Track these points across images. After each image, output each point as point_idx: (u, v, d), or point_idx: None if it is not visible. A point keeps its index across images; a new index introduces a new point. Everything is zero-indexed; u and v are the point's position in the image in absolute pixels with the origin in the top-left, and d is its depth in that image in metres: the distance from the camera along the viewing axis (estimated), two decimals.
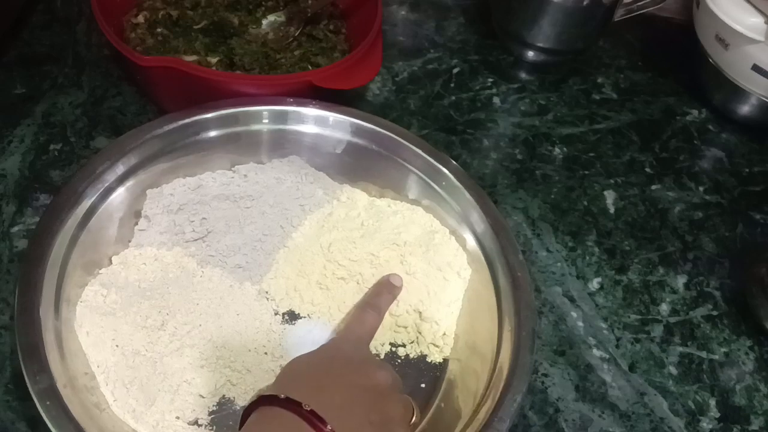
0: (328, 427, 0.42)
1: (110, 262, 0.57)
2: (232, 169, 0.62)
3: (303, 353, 0.50)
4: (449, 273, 0.59)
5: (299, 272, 0.59)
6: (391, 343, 0.58)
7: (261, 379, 0.54)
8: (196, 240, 0.59)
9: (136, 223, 0.58)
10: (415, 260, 0.59)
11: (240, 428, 0.44)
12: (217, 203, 0.60)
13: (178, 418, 0.51)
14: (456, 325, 0.58)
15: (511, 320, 0.53)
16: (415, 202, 0.63)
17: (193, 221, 0.59)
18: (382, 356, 0.57)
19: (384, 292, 0.57)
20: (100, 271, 0.56)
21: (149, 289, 0.56)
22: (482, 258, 0.59)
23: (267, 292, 0.58)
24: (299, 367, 0.48)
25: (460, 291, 0.59)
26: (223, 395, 0.53)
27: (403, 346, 0.58)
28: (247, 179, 0.62)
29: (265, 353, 0.55)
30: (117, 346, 0.53)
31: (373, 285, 0.58)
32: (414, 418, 0.50)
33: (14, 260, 0.58)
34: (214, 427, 0.52)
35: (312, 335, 0.57)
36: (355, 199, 0.63)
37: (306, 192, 0.62)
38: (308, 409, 0.42)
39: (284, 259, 0.60)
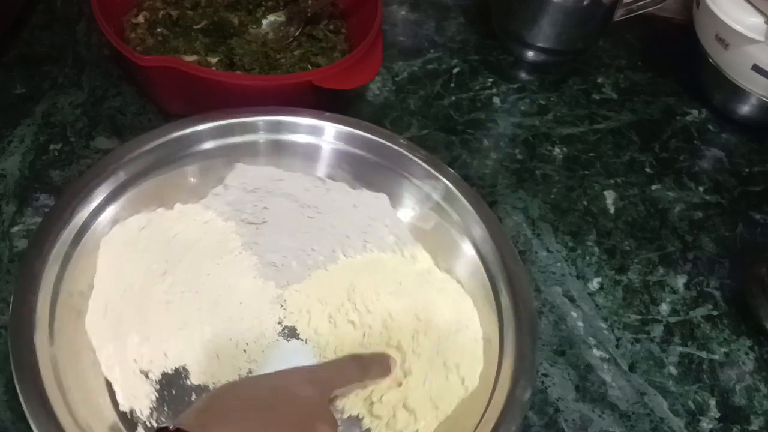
0: None
1: (172, 208, 0.59)
2: (321, 178, 0.62)
3: (258, 377, 0.48)
4: (453, 375, 0.54)
5: (320, 298, 0.58)
6: (359, 412, 0.53)
7: (225, 371, 0.54)
8: (250, 223, 0.60)
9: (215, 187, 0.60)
10: (426, 343, 0.55)
11: None
12: (285, 200, 0.61)
13: (135, 361, 0.52)
14: (433, 430, 0.52)
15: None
16: (414, 209, 0.62)
17: (256, 206, 0.60)
18: (344, 416, 0.53)
19: (377, 365, 0.54)
20: (157, 210, 0.58)
21: (179, 242, 0.57)
22: (480, 265, 0.58)
23: (285, 301, 0.58)
24: (243, 394, 0.43)
25: (455, 400, 0.53)
26: (184, 365, 0.54)
27: (371, 419, 0.53)
28: (328, 192, 0.62)
29: (244, 351, 0.55)
30: (122, 273, 0.55)
31: (374, 353, 0.55)
32: None
33: (14, 260, 0.58)
34: (158, 387, 0.52)
35: (296, 359, 0.55)
36: (418, 259, 0.60)
37: (376, 232, 0.61)
38: None
39: (317, 280, 0.59)
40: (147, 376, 0.52)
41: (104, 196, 0.55)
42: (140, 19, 0.71)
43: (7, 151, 0.65)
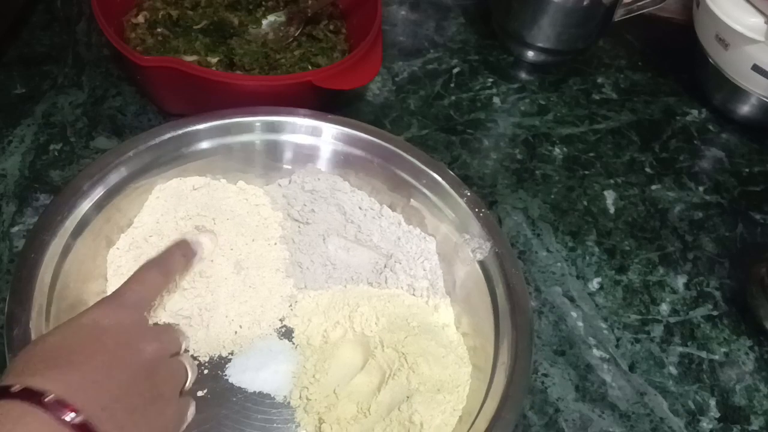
0: (80, 416, 0.37)
1: (235, 183, 0.62)
2: (380, 204, 0.62)
3: (70, 320, 0.44)
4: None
5: (325, 310, 0.57)
6: None
7: (206, 341, 0.54)
8: (295, 220, 0.61)
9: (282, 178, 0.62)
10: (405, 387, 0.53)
11: None
12: (335, 210, 0.61)
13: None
14: None
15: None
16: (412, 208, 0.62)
17: (305, 205, 0.61)
18: None
19: (177, 253, 0.52)
20: (220, 179, 0.61)
21: (223, 210, 0.59)
22: (476, 265, 0.58)
23: (296, 302, 0.58)
24: (61, 342, 0.42)
25: None
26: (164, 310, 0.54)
27: None
28: (379, 218, 0.61)
29: (235, 332, 0.55)
30: (158, 220, 0.58)
31: (168, 247, 0.53)
32: (189, 381, 0.47)
33: (14, 260, 0.58)
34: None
35: (280, 357, 0.55)
36: (439, 311, 0.58)
37: (412, 272, 0.59)
38: (51, 399, 0.37)
39: (332, 293, 0.58)
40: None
41: (100, 195, 0.55)
42: (140, 19, 0.71)
43: (7, 151, 0.65)
